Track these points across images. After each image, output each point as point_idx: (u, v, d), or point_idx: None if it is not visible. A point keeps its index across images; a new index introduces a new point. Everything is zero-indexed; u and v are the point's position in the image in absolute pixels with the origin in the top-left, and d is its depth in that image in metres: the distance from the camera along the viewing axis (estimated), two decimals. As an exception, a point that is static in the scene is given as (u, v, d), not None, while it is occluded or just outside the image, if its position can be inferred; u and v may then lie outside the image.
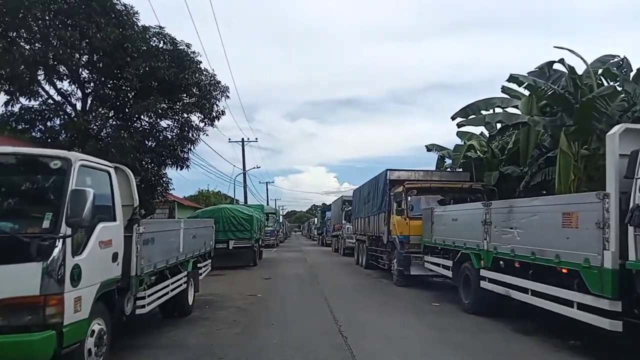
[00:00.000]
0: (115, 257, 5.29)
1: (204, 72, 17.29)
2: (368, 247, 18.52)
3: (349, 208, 27.81)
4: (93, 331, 4.82)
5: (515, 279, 7.50)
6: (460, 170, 16.71)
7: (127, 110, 15.34)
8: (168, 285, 7.24)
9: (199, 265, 9.55)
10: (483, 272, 8.70)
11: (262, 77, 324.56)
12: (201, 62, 16.34)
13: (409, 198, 13.35)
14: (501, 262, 8.12)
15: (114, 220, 5.39)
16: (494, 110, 13.24)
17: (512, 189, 14.39)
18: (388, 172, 15.30)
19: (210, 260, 10.88)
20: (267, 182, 65.09)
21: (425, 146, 19.19)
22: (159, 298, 6.73)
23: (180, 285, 7.95)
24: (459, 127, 13.63)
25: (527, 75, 11.23)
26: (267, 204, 56.34)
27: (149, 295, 6.29)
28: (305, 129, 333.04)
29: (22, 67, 12.74)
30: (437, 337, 7.38)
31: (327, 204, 49.19)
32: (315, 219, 62.51)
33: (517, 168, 14.75)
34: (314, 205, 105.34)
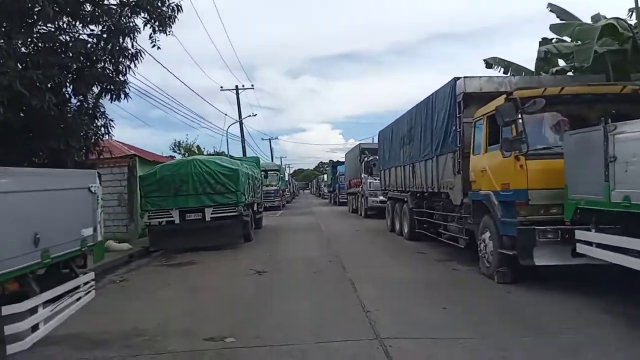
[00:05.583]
0: None
1: None
2: (413, 209, 12.57)
3: (371, 157, 21.81)
4: None
5: None
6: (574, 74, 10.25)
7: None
8: None
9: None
10: None
11: (260, 35, 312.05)
12: None
13: (522, 118, 6.77)
14: None
15: None
16: None
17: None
18: (459, 81, 8.75)
19: (92, 277, 4.36)
20: (270, 139, 58.06)
21: (484, 60, 13.82)
22: None
23: None
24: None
25: None
26: (272, 162, 49.68)
27: None
28: (308, 86, 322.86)
29: None
30: None
31: (335, 160, 42.96)
32: (325, 175, 56.29)
33: None
34: (321, 162, 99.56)
